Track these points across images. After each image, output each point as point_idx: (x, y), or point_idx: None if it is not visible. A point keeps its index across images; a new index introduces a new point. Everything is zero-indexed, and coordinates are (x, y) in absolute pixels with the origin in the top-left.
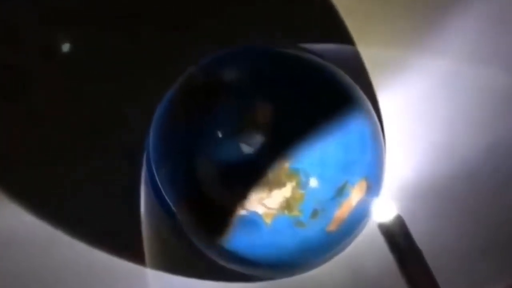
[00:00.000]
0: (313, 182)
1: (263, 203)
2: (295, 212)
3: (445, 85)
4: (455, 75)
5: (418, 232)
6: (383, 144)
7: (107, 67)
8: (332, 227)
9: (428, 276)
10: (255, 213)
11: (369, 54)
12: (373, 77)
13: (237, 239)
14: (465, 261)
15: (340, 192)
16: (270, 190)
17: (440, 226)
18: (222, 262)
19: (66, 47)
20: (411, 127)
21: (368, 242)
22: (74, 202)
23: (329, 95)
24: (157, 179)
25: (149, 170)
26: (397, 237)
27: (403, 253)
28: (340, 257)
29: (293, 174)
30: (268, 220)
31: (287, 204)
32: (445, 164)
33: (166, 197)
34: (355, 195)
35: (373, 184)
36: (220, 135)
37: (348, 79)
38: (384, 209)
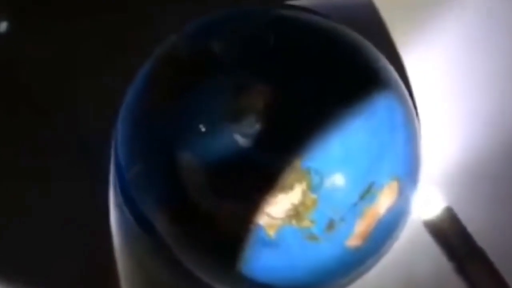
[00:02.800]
0: (329, 184)
1: (265, 211)
2: (306, 223)
3: (481, 40)
4: (491, 28)
5: (475, 226)
6: (418, 129)
7: (61, 34)
8: (354, 241)
9: (495, 280)
10: (255, 224)
11: (388, 9)
12: (396, 38)
13: (232, 258)
14: None
15: (364, 197)
16: (273, 194)
17: (502, 215)
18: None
19: (2, 27)
20: (447, 97)
21: (415, 246)
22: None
23: (348, 69)
24: (127, 181)
25: (118, 170)
26: (450, 235)
27: (460, 254)
28: (384, 267)
29: (303, 173)
30: (271, 233)
31: (296, 212)
32: (493, 136)
33: (139, 206)
34: (383, 200)
35: (407, 185)
36: (209, 123)
37: (370, 47)
38: (429, 202)
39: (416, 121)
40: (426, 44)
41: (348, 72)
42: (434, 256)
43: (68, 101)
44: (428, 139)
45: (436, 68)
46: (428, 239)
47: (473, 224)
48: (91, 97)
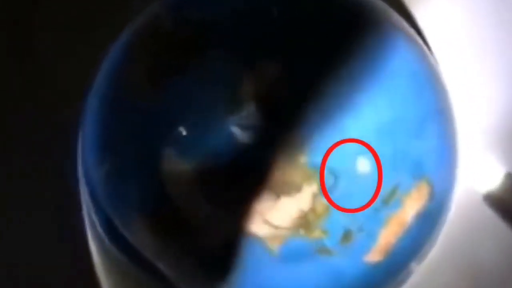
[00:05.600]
0: (345, 186)
1: (266, 219)
2: (317, 233)
3: None
4: None
5: None
6: (452, 113)
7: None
8: (374, 255)
9: None
10: (254, 236)
11: None
12: None
13: (227, 278)
14: None
15: (388, 202)
16: (277, 198)
17: None
18: None
19: None
20: (474, 57)
21: (476, 225)
22: None
23: (364, 42)
24: (96, 183)
25: (85, 170)
26: None
27: None
28: (441, 253)
29: (313, 173)
30: (274, 247)
31: (304, 221)
32: None
33: (111, 214)
34: (410, 206)
35: (440, 186)
36: (200, 113)
37: (388, 10)
38: (485, 171)
39: (449, 100)
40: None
41: (364, 46)
42: (501, 234)
43: (32, 94)
44: (471, 100)
45: (453, 26)
46: (490, 215)
47: None
48: (60, 81)
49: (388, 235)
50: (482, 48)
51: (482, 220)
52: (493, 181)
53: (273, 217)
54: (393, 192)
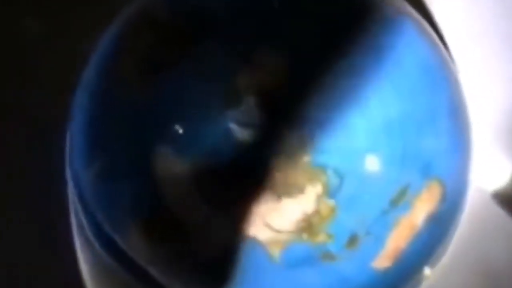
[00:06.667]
0: (351, 187)
1: (267, 222)
2: (321, 237)
3: None
4: None
5: None
6: (466, 107)
7: None
8: (382, 261)
9: None
10: (254, 241)
11: None
12: None
13: (225, 285)
14: None
15: (397, 203)
16: (279, 200)
17: None
18: None
19: None
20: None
21: (486, 224)
22: None
23: (369, 33)
24: (85, 185)
25: (73, 172)
26: None
27: None
28: (453, 254)
29: (317, 173)
30: (275, 252)
31: (308, 224)
32: None
33: (101, 219)
34: (421, 208)
35: (452, 186)
36: (196, 108)
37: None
38: (493, 168)
39: (463, 91)
40: None
41: (368, 34)
42: None
43: (18, 90)
44: (477, 96)
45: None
46: (500, 214)
47: None
48: (40, 76)
49: (397, 239)
50: (487, 44)
51: (494, 220)
52: (501, 179)
53: (274, 220)
54: (402, 193)
